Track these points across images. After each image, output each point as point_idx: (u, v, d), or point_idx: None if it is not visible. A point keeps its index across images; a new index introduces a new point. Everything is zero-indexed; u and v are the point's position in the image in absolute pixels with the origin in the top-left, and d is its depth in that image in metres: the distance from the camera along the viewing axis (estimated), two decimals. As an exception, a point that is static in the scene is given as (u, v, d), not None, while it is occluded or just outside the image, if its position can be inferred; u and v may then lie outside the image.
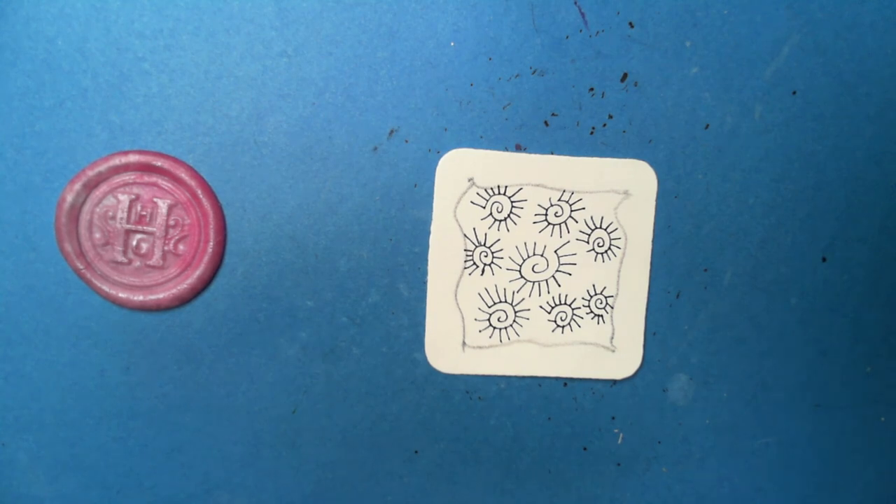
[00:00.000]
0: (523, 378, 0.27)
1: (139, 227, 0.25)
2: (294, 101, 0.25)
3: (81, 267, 0.25)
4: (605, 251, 0.27)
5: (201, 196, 0.25)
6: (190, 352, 0.26)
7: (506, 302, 0.27)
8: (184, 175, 0.25)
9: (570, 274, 0.27)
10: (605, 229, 0.27)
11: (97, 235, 0.25)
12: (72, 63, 0.25)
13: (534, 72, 0.26)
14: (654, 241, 0.27)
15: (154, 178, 0.25)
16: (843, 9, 0.26)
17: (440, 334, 0.27)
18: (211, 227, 0.25)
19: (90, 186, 0.25)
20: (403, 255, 0.26)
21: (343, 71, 0.25)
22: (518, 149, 0.26)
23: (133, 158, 0.25)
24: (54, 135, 0.25)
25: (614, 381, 0.28)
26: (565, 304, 0.27)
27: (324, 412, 0.27)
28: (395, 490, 0.28)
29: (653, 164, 0.27)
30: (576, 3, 0.26)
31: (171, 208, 0.26)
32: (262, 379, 0.27)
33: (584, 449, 0.28)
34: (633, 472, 0.28)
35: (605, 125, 0.26)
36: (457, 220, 0.26)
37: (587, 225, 0.27)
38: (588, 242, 0.27)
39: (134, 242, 0.26)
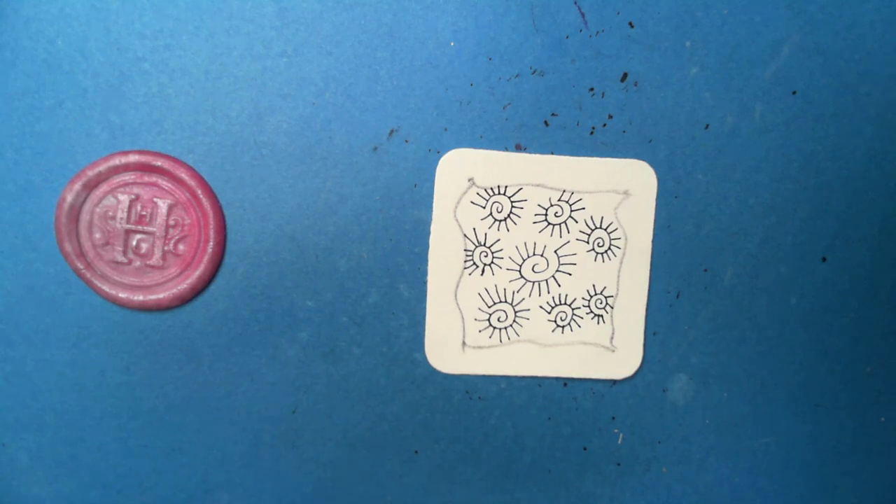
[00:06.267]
0: (523, 378, 0.28)
1: (139, 227, 0.25)
2: (294, 101, 0.25)
3: (81, 267, 0.25)
4: (605, 251, 0.27)
5: (201, 196, 0.25)
6: (190, 352, 0.26)
7: (506, 302, 0.27)
8: (184, 175, 0.25)
9: (570, 274, 0.27)
10: (605, 229, 0.27)
11: (97, 235, 0.25)
12: (72, 63, 0.25)
13: (534, 72, 0.26)
14: (654, 241, 0.27)
15: (154, 178, 0.25)
16: (843, 9, 0.26)
17: (440, 334, 0.27)
18: (211, 227, 0.25)
19: (90, 186, 0.25)
20: (403, 255, 0.26)
21: (343, 71, 0.25)
22: (518, 149, 0.26)
23: (133, 158, 0.25)
24: (54, 135, 0.25)
25: (614, 381, 0.28)
26: (565, 304, 0.27)
27: (324, 412, 0.27)
28: (395, 490, 0.28)
29: (653, 164, 0.27)
30: (576, 3, 0.26)
31: (171, 208, 0.26)
32: (262, 379, 0.27)
33: (584, 449, 0.28)
34: (633, 472, 0.28)
35: (605, 125, 0.26)
36: (457, 220, 0.26)
37: (587, 225, 0.27)
38: (588, 242, 0.27)
39: (134, 242, 0.26)
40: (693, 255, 0.27)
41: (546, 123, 0.26)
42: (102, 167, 0.25)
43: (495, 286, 0.27)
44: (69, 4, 0.25)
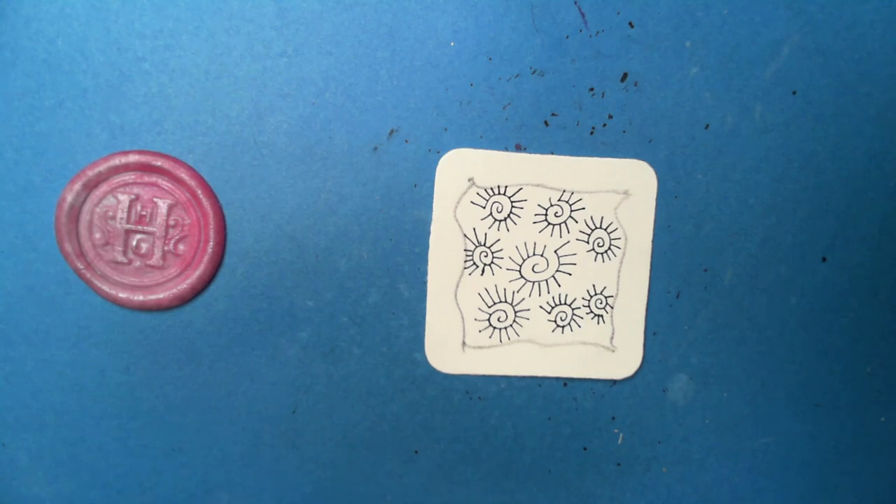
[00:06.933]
0: (523, 378, 0.28)
1: (139, 227, 0.25)
2: (294, 101, 0.25)
3: (81, 267, 0.25)
4: (605, 251, 0.27)
5: (201, 196, 0.25)
6: (190, 352, 0.26)
7: (506, 302, 0.27)
8: (184, 175, 0.25)
9: (570, 274, 0.27)
10: (605, 229, 0.27)
11: (97, 235, 0.25)
12: (72, 63, 0.25)
13: (534, 72, 0.26)
14: (654, 241, 0.27)
15: (154, 178, 0.25)
16: (843, 9, 0.26)
17: (440, 334, 0.27)
18: (211, 227, 0.25)
19: (90, 186, 0.25)
20: (403, 255, 0.26)
21: (343, 71, 0.25)
22: (518, 149, 0.26)
23: (133, 158, 0.25)
24: (54, 135, 0.25)
25: (614, 381, 0.28)
26: (565, 304, 0.27)
27: (324, 412, 0.27)
28: (395, 490, 0.28)
29: (653, 164, 0.27)
30: (576, 3, 0.26)
31: (171, 208, 0.26)
32: (262, 379, 0.27)
33: (584, 449, 0.28)
34: (633, 472, 0.28)
35: (605, 125, 0.26)
36: (457, 220, 0.26)
37: (587, 225, 0.27)
38: (588, 242, 0.27)
39: (134, 242, 0.26)
40: (693, 255, 0.27)
41: (546, 123, 0.26)
42: (102, 167, 0.25)
43: (495, 286, 0.27)
44: (69, 4, 0.25)
